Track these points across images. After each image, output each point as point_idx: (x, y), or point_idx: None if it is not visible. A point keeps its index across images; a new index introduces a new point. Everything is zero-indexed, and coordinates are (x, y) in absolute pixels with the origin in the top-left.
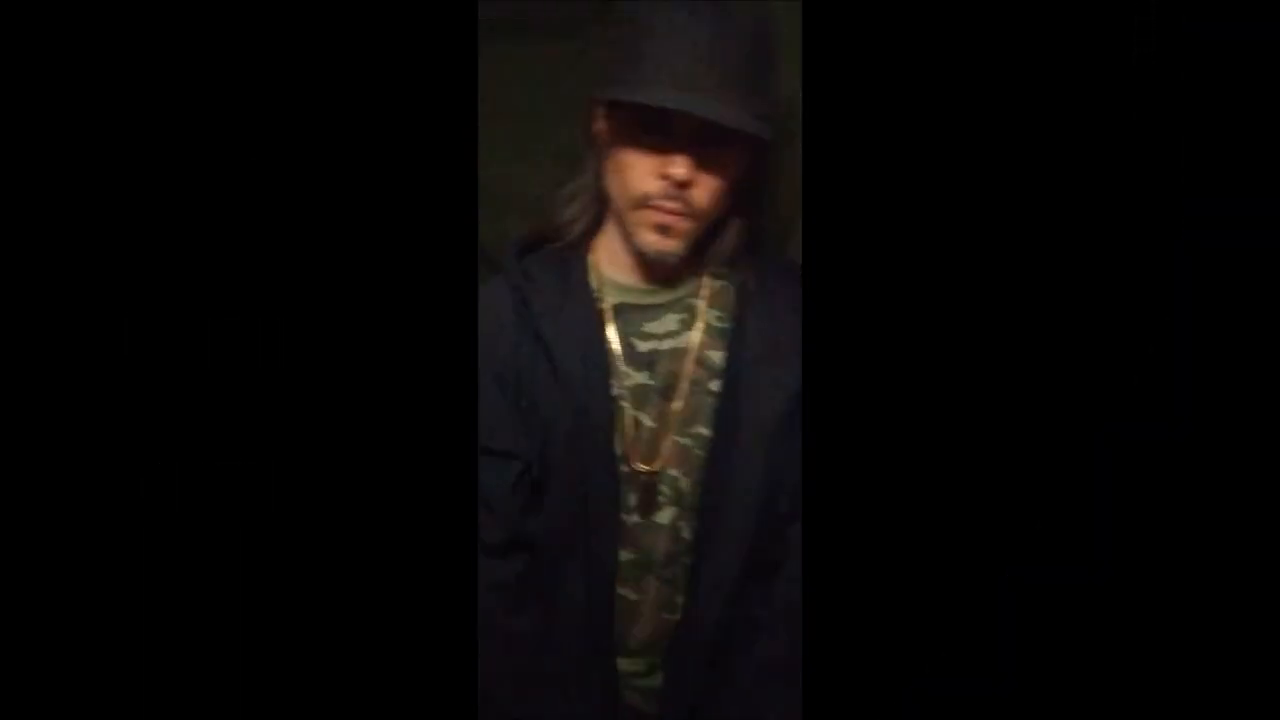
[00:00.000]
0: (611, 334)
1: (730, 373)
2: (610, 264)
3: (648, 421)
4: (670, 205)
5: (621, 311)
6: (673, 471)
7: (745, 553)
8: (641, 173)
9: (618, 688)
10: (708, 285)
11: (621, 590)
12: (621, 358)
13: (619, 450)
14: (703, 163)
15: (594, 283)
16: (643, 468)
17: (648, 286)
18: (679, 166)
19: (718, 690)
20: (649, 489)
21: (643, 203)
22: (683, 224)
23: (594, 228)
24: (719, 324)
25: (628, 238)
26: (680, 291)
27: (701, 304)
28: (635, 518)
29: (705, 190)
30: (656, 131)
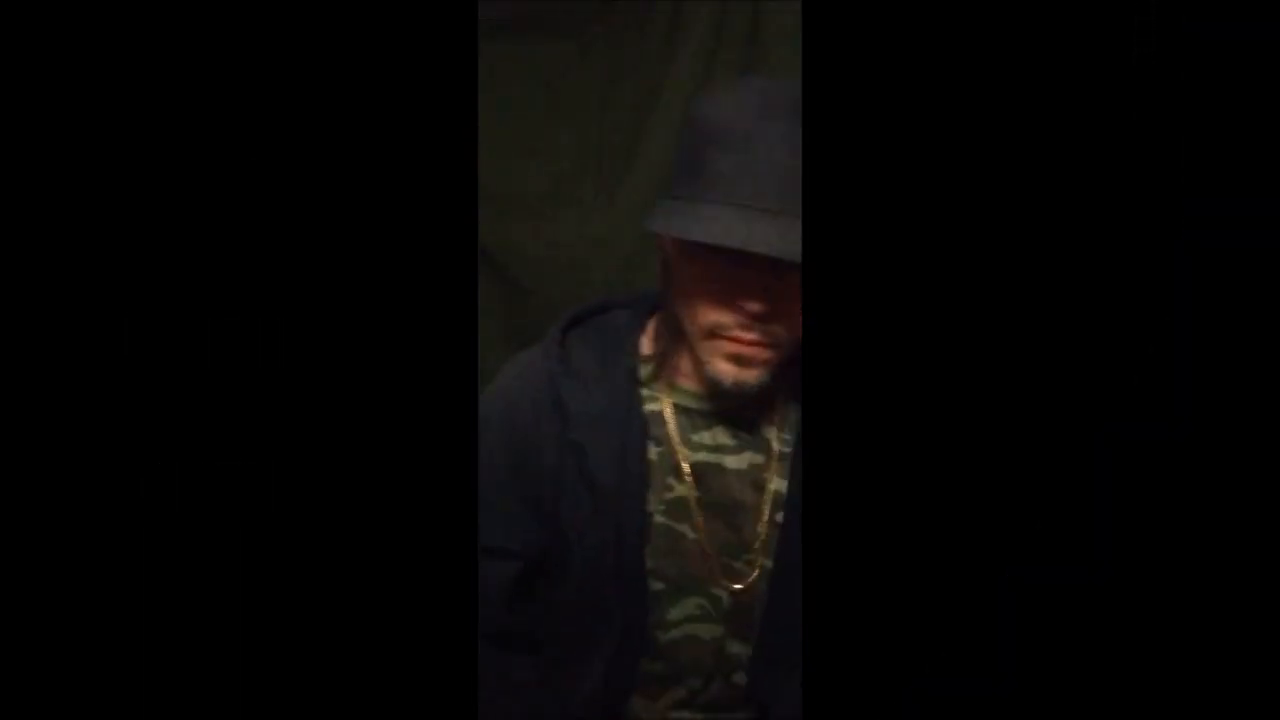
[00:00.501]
0: (665, 438)
1: (790, 504)
2: (679, 375)
3: (690, 534)
4: (747, 336)
5: (675, 415)
6: (717, 590)
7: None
8: (713, 301)
9: None
10: (780, 402)
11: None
12: (668, 468)
13: (651, 564)
14: (783, 289)
15: (645, 375)
16: (727, 586)
17: (713, 405)
18: (754, 300)
19: None
20: (743, 609)
21: (715, 332)
22: (762, 354)
23: (671, 359)
24: (783, 447)
25: (699, 364)
26: (746, 409)
27: (764, 422)
28: (674, 632)
29: (787, 320)
30: (729, 254)
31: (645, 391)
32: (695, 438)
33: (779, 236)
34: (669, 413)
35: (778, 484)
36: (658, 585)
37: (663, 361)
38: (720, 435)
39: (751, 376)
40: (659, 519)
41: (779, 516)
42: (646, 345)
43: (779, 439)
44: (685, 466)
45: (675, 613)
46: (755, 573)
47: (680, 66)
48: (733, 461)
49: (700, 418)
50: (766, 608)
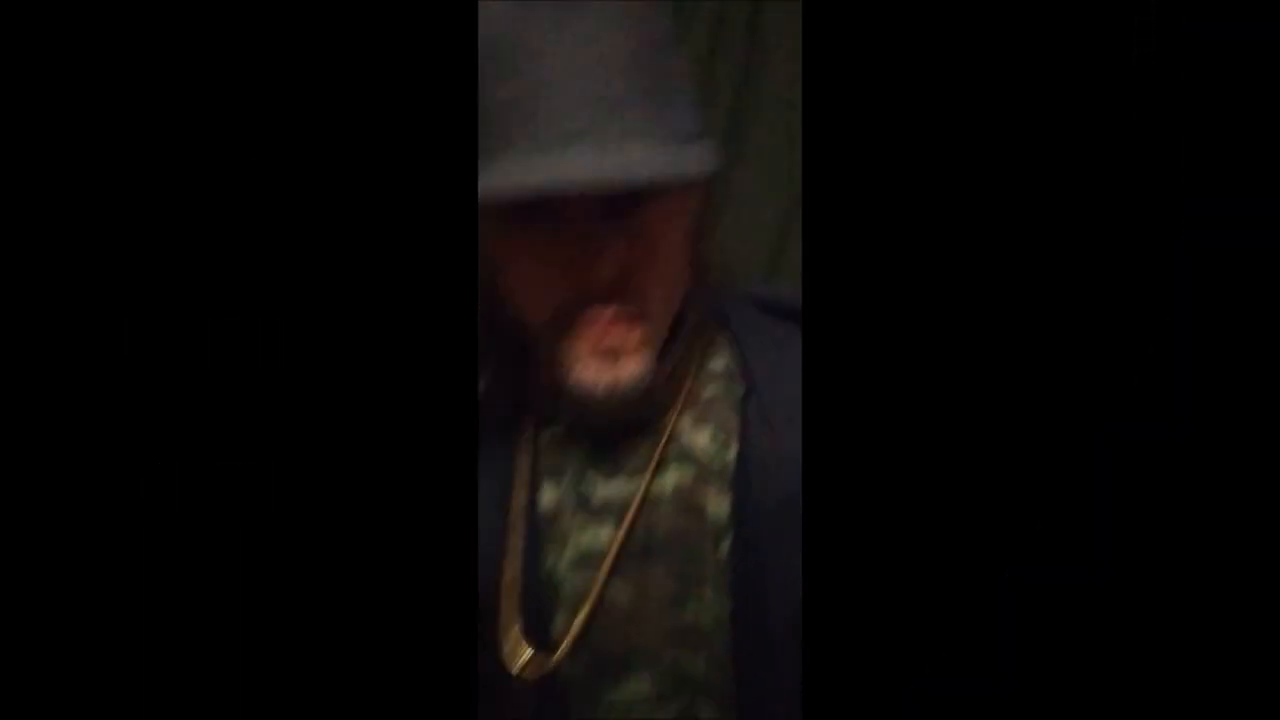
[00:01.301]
0: (549, 497)
1: (738, 527)
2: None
3: (615, 597)
4: (604, 318)
5: (557, 448)
6: (683, 653)
7: None
8: (551, 286)
9: None
10: (693, 384)
11: None
12: (567, 512)
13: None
14: (633, 245)
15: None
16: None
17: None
18: (600, 267)
19: None
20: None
21: (562, 329)
22: (635, 334)
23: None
24: (718, 454)
25: (556, 379)
26: (646, 411)
27: (684, 418)
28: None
29: (649, 280)
30: (548, 216)
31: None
32: (596, 469)
33: (601, 163)
34: (558, 441)
35: (716, 506)
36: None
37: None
38: (638, 457)
39: (630, 373)
40: (564, 573)
41: (724, 547)
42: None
43: (703, 450)
44: (596, 501)
45: (616, 694)
46: (711, 623)
47: None
48: (656, 487)
49: (589, 440)
50: (738, 665)
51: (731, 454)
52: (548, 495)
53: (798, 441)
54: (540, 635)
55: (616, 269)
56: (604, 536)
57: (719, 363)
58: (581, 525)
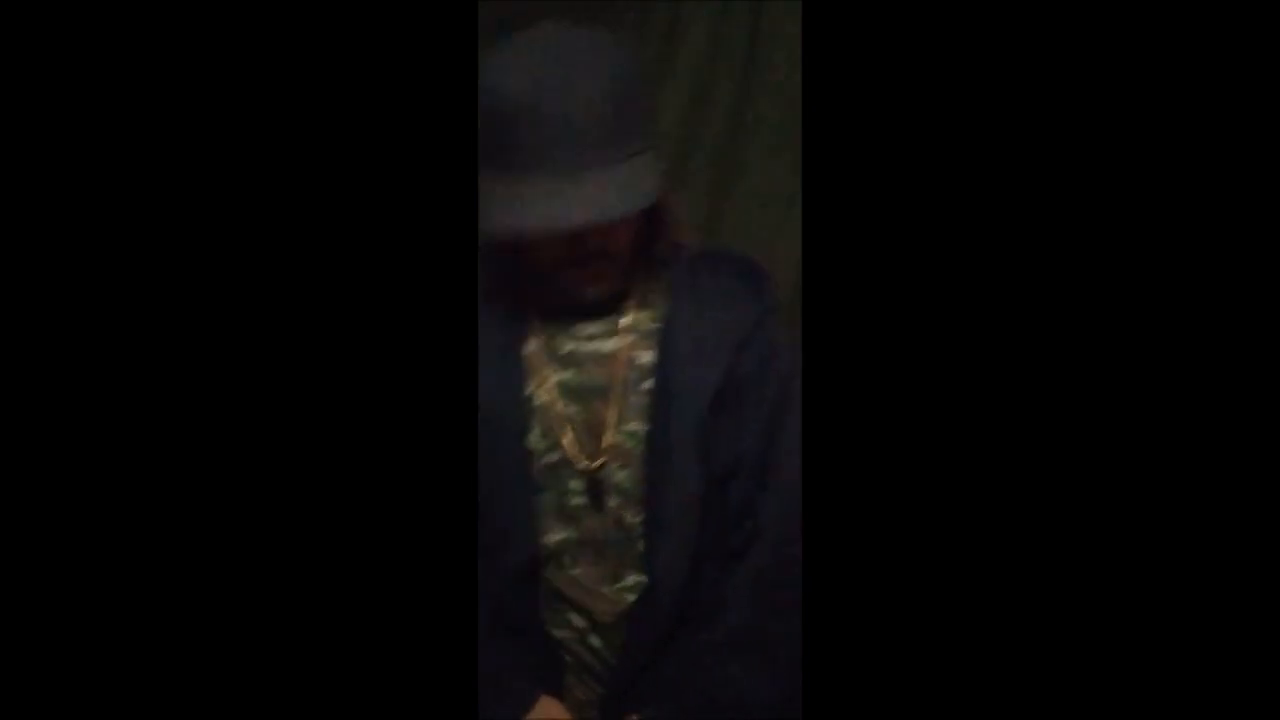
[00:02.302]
0: (534, 342)
1: (660, 373)
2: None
3: (576, 418)
4: (590, 268)
5: (547, 314)
6: (614, 465)
7: (692, 536)
8: (550, 254)
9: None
10: (641, 289)
11: (573, 571)
12: (546, 357)
13: (532, 446)
14: (610, 223)
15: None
16: (588, 464)
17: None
18: (587, 242)
19: (676, 661)
20: (595, 483)
21: (559, 272)
22: (608, 269)
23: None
24: (650, 324)
25: (560, 296)
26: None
27: (630, 306)
28: (582, 500)
29: (621, 236)
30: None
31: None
32: (571, 329)
33: (588, 199)
34: (538, 322)
35: (646, 358)
36: (546, 460)
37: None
38: (589, 327)
39: (604, 289)
40: (541, 402)
41: (645, 385)
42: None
43: (645, 321)
44: (564, 350)
45: (549, 498)
46: (609, 446)
47: (680, 67)
48: (608, 345)
49: (569, 315)
50: (646, 473)
51: (658, 326)
52: (532, 344)
53: (702, 319)
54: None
55: (600, 242)
56: (568, 376)
57: (660, 288)
58: (555, 369)
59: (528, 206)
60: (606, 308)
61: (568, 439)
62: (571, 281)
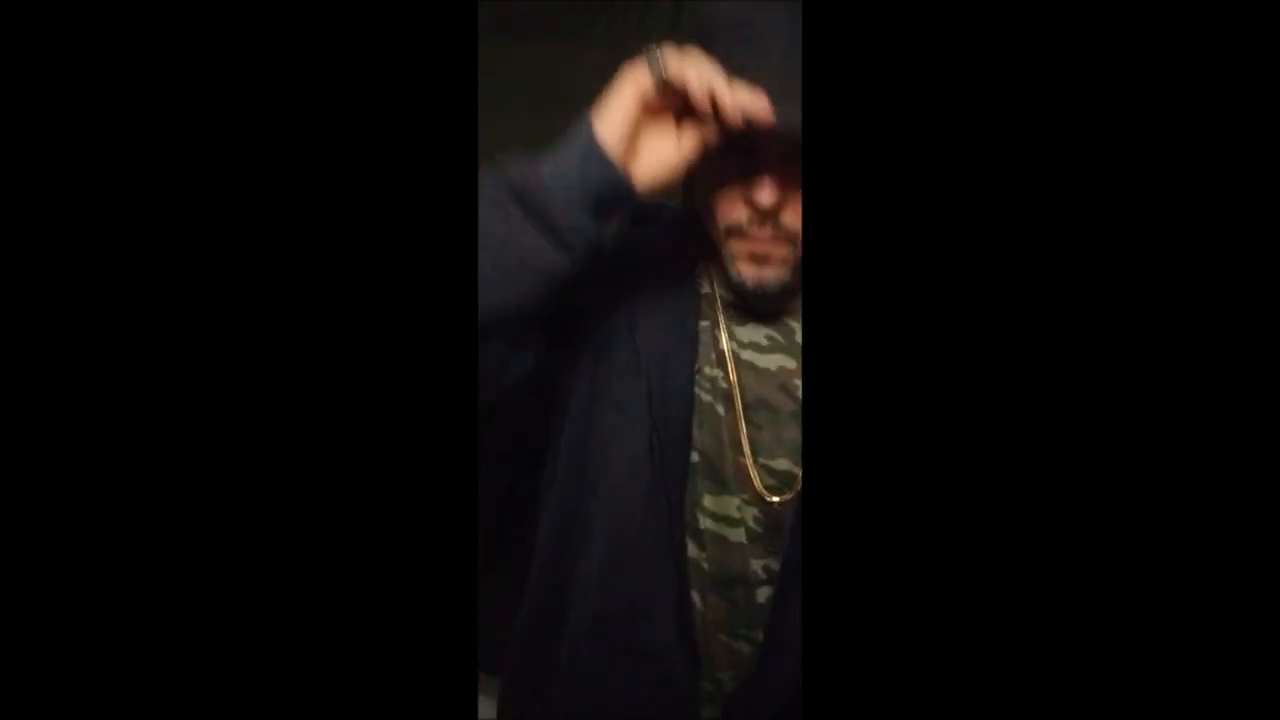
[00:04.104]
0: (713, 315)
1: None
2: (718, 284)
3: (724, 416)
4: (763, 234)
5: (715, 303)
6: (742, 497)
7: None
8: (728, 200)
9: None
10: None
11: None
12: (711, 346)
13: (695, 438)
14: (792, 181)
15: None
16: (769, 496)
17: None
18: (765, 193)
19: None
20: (776, 519)
21: (734, 232)
22: (780, 250)
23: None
24: None
25: (725, 270)
26: (784, 311)
27: (799, 328)
28: (708, 522)
29: (799, 213)
30: (738, 152)
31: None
32: (733, 329)
33: (795, 117)
34: (718, 299)
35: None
36: (695, 456)
37: (703, 255)
38: (754, 333)
39: (771, 275)
40: (695, 390)
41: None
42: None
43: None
44: (725, 349)
45: (710, 502)
46: (795, 487)
47: None
48: (763, 361)
49: (736, 312)
50: (794, 528)
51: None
52: (701, 325)
53: None
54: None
55: (775, 203)
56: (719, 375)
57: None
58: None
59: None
60: (772, 306)
61: (746, 455)
62: (740, 254)
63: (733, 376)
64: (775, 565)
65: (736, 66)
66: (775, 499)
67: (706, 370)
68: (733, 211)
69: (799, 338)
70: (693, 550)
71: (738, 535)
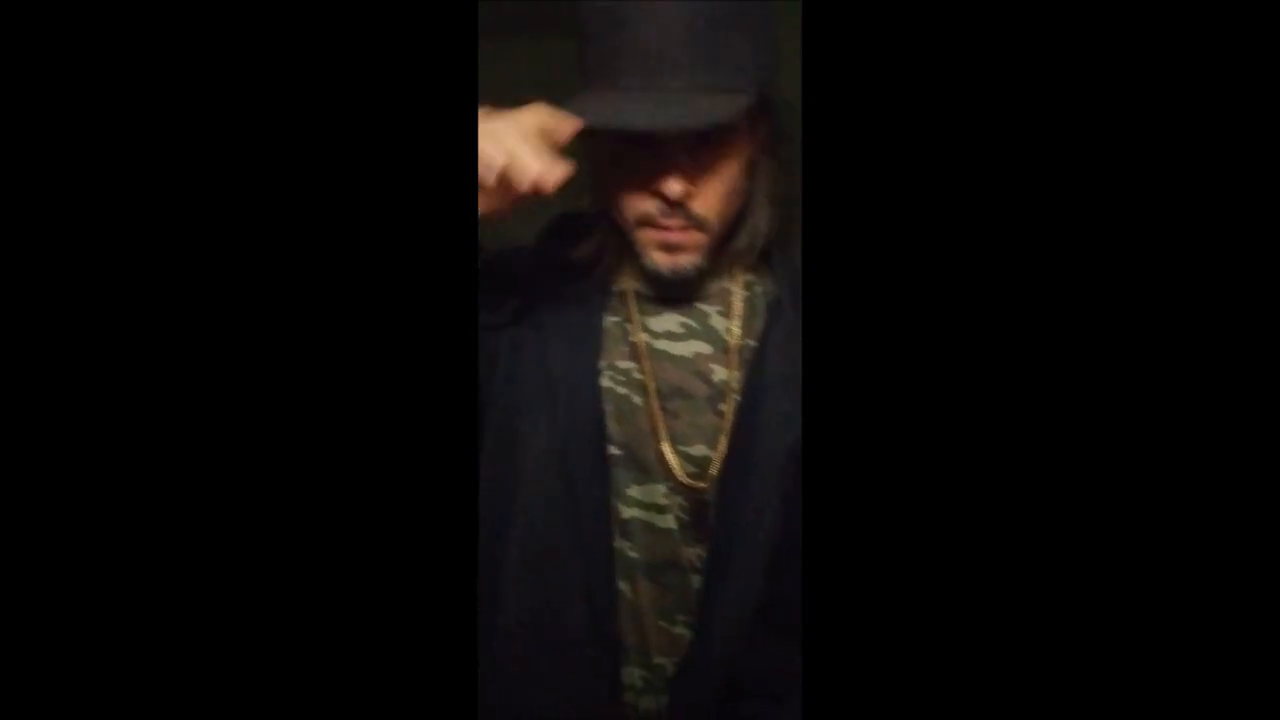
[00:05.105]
0: (623, 310)
1: (746, 398)
2: (628, 266)
3: (640, 406)
4: (673, 223)
5: (628, 299)
6: (667, 484)
7: (754, 599)
8: (634, 191)
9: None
10: (736, 294)
11: (619, 584)
12: (623, 339)
13: (612, 432)
14: (699, 169)
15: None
16: (688, 482)
17: (660, 292)
18: (671, 184)
19: None
20: (700, 506)
21: (644, 223)
22: (691, 238)
23: (616, 256)
24: (733, 340)
25: (636, 257)
26: (698, 297)
27: (715, 313)
28: (634, 511)
29: (708, 199)
30: (641, 147)
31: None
32: (645, 321)
33: (680, 112)
34: (629, 293)
35: (722, 374)
36: (615, 449)
37: (617, 252)
38: (668, 322)
39: (686, 261)
40: (607, 384)
41: (721, 406)
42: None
43: (731, 333)
44: (639, 341)
45: (635, 491)
46: (712, 471)
47: None
48: (677, 349)
49: (650, 303)
50: (720, 510)
51: (751, 343)
52: (609, 321)
53: (800, 346)
54: None
55: (681, 193)
56: (632, 367)
57: (753, 279)
58: (623, 355)
59: (622, 110)
60: (686, 293)
61: (665, 443)
62: (652, 243)
63: (646, 367)
64: (704, 551)
65: (610, 57)
66: (699, 485)
67: (620, 364)
68: (641, 204)
69: (714, 322)
70: (619, 541)
71: (667, 522)
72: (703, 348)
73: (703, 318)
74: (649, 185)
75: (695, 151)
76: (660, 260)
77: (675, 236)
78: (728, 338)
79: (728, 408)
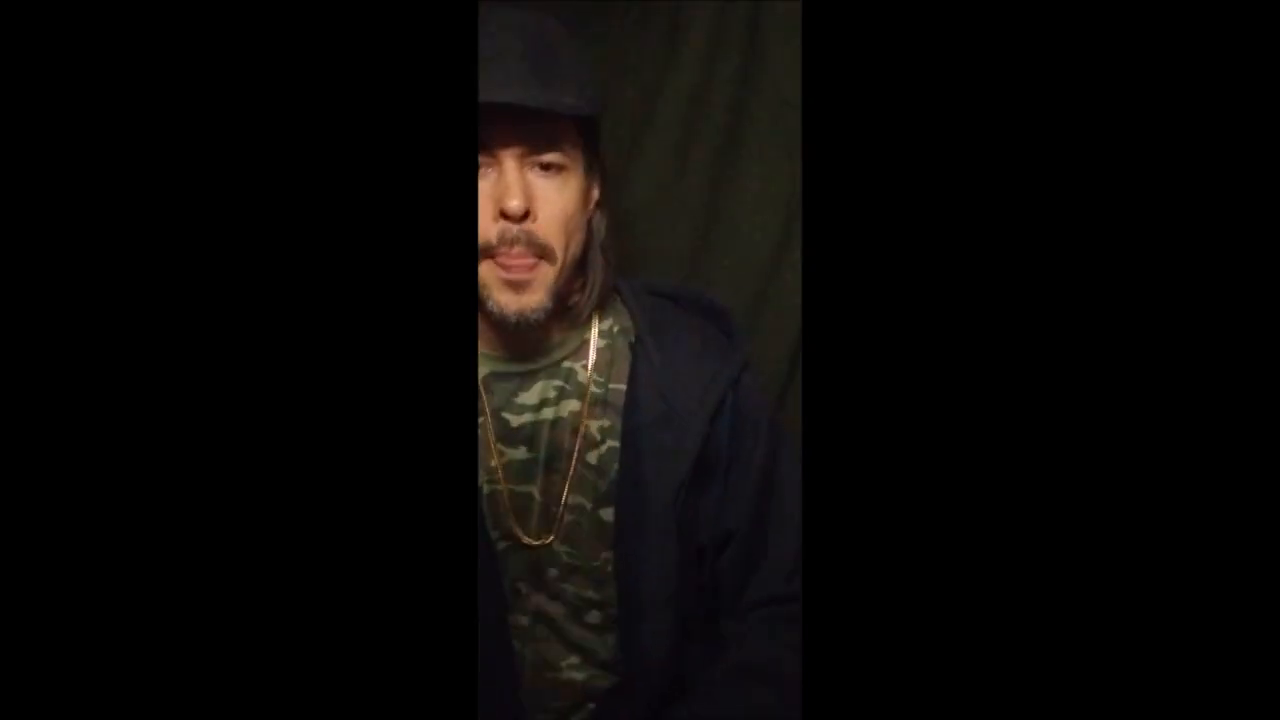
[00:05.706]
0: (482, 409)
1: (626, 443)
2: (483, 344)
3: (537, 495)
4: (516, 251)
5: (490, 383)
6: (563, 546)
7: (670, 621)
8: (479, 219)
9: None
10: (590, 345)
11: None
12: (495, 435)
13: (493, 524)
14: (538, 187)
15: None
16: (531, 541)
17: (517, 354)
18: (512, 197)
19: None
20: (536, 563)
21: (487, 255)
22: (537, 271)
23: None
24: (597, 390)
25: (483, 304)
26: (555, 355)
27: (579, 368)
28: (525, 586)
29: (549, 220)
30: (483, 160)
31: None
32: (519, 400)
33: (521, 94)
34: (482, 385)
35: (595, 425)
36: (502, 544)
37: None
38: (543, 391)
39: (533, 301)
40: (489, 489)
41: (590, 457)
42: None
43: (593, 381)
44: (514, 428)
45: (526, 570)
46: (556, 526)
47: (680, 66)
48: (553, 413)
49: (518, 379)
50: (619, 562)
51: (618, 387)
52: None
53: (670, 381)
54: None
55: (523, 206)
56: (519, 454)
57: (610, 322)
58: (504, 445)
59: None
60: (534, 336)
61: (514, 515)
62: (496, 283)
63: (531, 454)
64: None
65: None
66: (534, 541)
67: (501, 450)
68: (484, 232)
69: (580, 377)
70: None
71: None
72: (575, 404)
73: (569, 375)
74: (490, 207)
75: (533, 166)
76: (506, 302)
77: (519, 271)
78: (593, 388)
79: (606, 457)
